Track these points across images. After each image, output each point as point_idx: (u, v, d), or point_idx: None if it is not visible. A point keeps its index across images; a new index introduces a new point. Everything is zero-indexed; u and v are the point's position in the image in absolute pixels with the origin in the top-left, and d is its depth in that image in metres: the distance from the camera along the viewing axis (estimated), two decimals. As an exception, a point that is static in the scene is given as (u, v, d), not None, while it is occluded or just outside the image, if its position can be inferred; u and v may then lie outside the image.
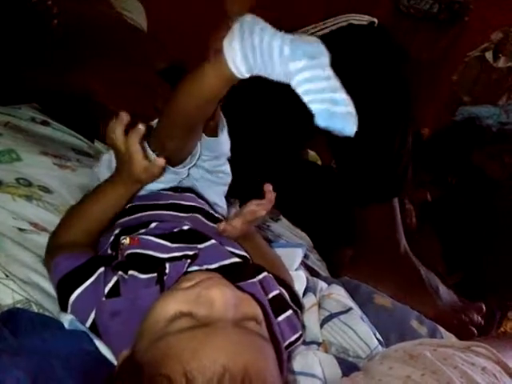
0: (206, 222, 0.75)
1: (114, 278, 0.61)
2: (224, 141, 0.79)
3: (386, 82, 1.00)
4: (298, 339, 0.65)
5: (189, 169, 0.78)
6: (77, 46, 1.13)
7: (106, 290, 0.60)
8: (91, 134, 1.03)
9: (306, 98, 0.60)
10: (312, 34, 1.00)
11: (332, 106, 0.59)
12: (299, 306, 0.70)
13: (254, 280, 0.64)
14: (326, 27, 1.01)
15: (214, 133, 0.78)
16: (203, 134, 0.77)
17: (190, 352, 0.46)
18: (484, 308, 1.11)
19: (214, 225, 0.73)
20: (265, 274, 0.67)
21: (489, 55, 1.70)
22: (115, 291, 0.60)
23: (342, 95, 0.60)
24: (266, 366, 0.48)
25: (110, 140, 0.66)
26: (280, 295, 0.66)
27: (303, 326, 0.72)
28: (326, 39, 1.01)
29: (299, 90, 0.60)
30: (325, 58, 0.61)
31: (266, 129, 1.04)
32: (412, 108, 1.07)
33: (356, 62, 0.98)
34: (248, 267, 0.67)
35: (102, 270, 0.61)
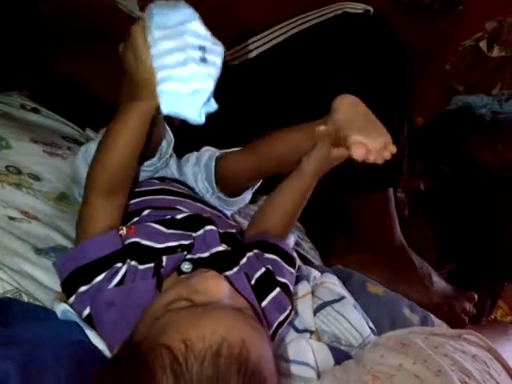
0: (199, 204, 0.75)
1: (124, 268, 0.60)
2: (240, 201, 0.83)
3: (380, 71, 0.99)
4: (287, 317, 0.65)
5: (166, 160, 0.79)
6: (68, 34, 1.12)
7: (114, 282, 0.59)
8: (82, 121, 1.02)
9: (160, 73, 0.53)
10: (307, 21, 1.00)
11: (180, 85, 0.52)
12: (294, 264, 0.72)
13: (237, 269, 0.65)
14: (321, 15, 1.00)
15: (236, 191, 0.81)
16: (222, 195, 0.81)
17: (189, 322, 0.47)
18: (476, 297, 1.12)
19: (210, 209, 0.75)
20: (248, 255, 0.67)
21: (483, 45, 1.69)
22: (121, 282, 0.60)
23: (197, 68, 0.52)
24: (262, 342, 0.50)
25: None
26: (266, 272, 0.66)
27: (296, 312, 0.73)
28: (320, 27, 1.01)
29: (155, 64, 0.53)
30: (189, 24, 0.53)
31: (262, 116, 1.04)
32: (407, 97, 1.06)
33: (351, 50, 0.98)
34: (233, 252, 0.67)
35: (117, 265, 0.60)
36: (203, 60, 0.53)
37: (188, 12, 0.54)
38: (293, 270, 0.71)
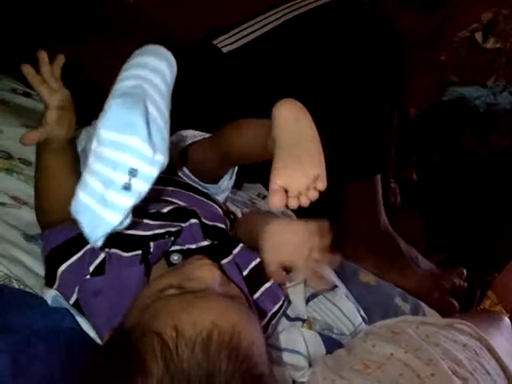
0: (191, 193, 0.74)
1: (101, 256, 0.60)
2: (224, 186, 0.79)
3: (373, 61, 0.99)
4: (280, 308, 0.65)
5: None
6: (64, 18, 1.10)
7: (92, 268, 0.59)
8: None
9: (85, 176, 0.51)
10: (302, 6, 0.99)
11: (91, 201, 0.50)
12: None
13: (230, 258, 0.64)
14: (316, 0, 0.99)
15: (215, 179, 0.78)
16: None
17: (180, 309, 0.47)
18: (465, 272, 1.12)
19: (201, 197, 0.74)
20: (241, 245, 0.67)
21: (478, 36, 1.69)
22: (101, 269, 0.59)
23: (114, 196, 0.50)
24: (254, 329, 0.50)
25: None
26: (261, 263, 0.66)
27: (289, 301, 0.73)
28: (316, 13, 1.00)
29: (89, 161, 0.51)
30: (134, 138, 0.49)
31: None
32: (400, 85, 1.06)
33: (345, 37, 0.97)
34: (224, 244, 0.67)
35: (88, 246, 0.60)
36: (126, 188, 0.50)
37: (139, 121, 0.50)
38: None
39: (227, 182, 0.79)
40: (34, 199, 0.67)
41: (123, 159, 0.50)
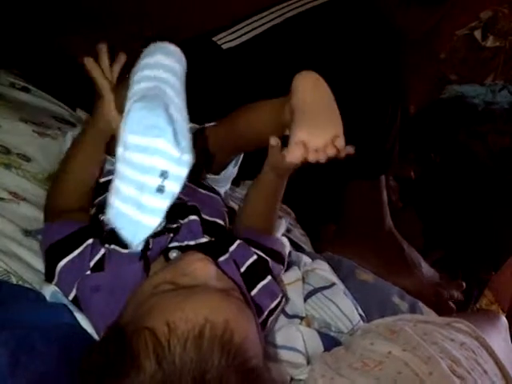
0: (193, 186, 0.74)
1: (101, 252, 0.60)
2: (228, 175, 0.79)
3: (374, 59, 0.99)
4: (278, 304, 0.65)
5: None
6: (68, 13, 1.10)
7: (92, 263, 0.59)
8: (73, 101, 1.00)
9: (116, 182, 0.52)
10: (302, 5, 0.98)
11: (128, 208, 0.51)
12: (282, 261, 0.72)
13: (226, 256, 0.64)
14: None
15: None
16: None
17: (173, 305, 0.47)
18: (464, 285, 1.13)
19: (201, 190, 0.74)
20: (238, 242, 0.66)
21: (477, 34, 1.68)
22: (100, 265, 0.59)
23: (150, 200, 0.51)
24: (247, 323, 0.50)
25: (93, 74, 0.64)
26: (257, 261, 0.66)
27: (287, 299, 0.73)
28: (316, 12, 1.00)
29: (118, 167, 0.52)
30: (161, 140, 0.50)
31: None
32: (402, 87, 1.06)
33: (346, 36, 0.97)
34: (221, 241, 0.67)
35: (89, 241, 0.60)
36: (160, 190, 0.51)
37: (162, 122, 0.50)
38: (281, 266, 0.71)
39: (231, 170, 0.78)
40: (55, 182, 0.69)
41: (153, 162, 0.50)
